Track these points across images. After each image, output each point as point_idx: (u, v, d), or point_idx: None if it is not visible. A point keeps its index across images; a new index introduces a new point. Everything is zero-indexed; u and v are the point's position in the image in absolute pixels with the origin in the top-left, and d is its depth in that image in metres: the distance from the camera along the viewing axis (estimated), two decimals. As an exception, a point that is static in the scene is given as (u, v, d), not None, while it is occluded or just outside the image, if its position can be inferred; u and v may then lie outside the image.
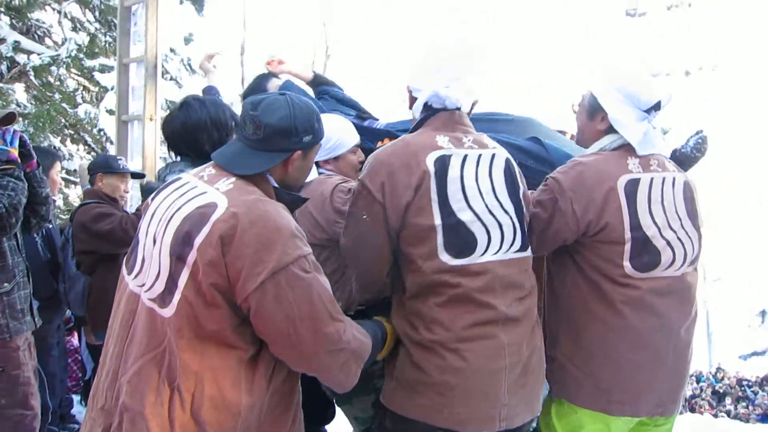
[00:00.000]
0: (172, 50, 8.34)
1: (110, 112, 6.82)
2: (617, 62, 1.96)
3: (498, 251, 1.68)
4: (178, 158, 2.23)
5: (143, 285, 1.48)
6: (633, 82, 1.85)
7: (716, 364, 22.44)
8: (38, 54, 7.45)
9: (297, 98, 1.57)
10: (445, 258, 1.64)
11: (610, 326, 1.81)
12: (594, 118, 1.93)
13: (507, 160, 1.78)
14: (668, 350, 1.83)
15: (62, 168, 8.17)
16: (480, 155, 1.73)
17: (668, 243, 1.80)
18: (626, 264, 1.78)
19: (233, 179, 1.49)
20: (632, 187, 1.80)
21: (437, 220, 1.63)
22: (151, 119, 3.86)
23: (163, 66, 8.03)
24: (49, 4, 8.15)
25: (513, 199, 1.74)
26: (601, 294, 1.81)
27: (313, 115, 1.57)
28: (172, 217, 1.46)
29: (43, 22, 8.47)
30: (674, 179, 1.87)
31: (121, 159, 3.56)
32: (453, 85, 1.72)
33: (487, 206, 1.68)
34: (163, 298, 1.41)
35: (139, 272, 1.51)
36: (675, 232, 1.82)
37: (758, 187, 34.23)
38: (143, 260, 1.51)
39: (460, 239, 1.64)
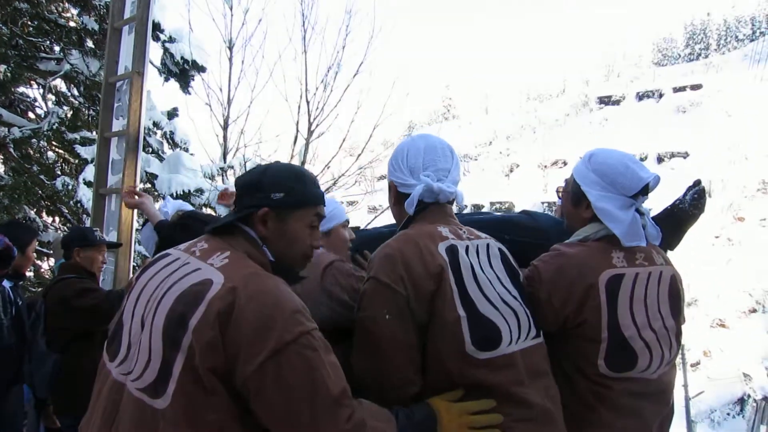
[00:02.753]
0: (155, 124, 8.44)
1: (88, 184, 6.78)
2: (601, 148, 1.88)
3: (518, 340, 1.58)
4: None
5: (129, 373, 1.33)
6: (617, 168, 1.77)
7: (698, 455, 21.92)
8: (19, 127, 7.47)
9: (283, 164, 1.52)
10: (473, 352, 1.51)
11: (584, 423, 1.70)
12: (579, 205, 1.85)
13: (500, 249, 1.73)
14: None
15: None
16: (478, 245, 1.67)
17: (646, 344, 1.70)
18: (600, 363, 1.67)
19: (228, 253, 1.39)
20: (614, 284, 1.69)
21: (461, 312, 1.52)
22: (128, 193, 3.82)
23: (145, 139, 8.12)
24: (35, 80, 8.26)
25: (516, 287, 1.68)
26: (575, 389, 1.71)
27: (290, 175, 1.49)
28: (162, 298, 1.33)
29: (27, 96, 8.56)
30: (660, 273, 1.76)
31: (96, 230, 3.49)
32: (443, 178, 1.72)
33: (499, 295, 1.59)
34: (156, 388, 1.26)
35: (125, 359, 1.36)
36: (655, 332, 1.71)
37: (733, 272, 34.79)
38: (129, 346, 1.36)
39: (485, 331, 1.53)
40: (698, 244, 36.31)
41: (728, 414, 28.56)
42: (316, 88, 9.04)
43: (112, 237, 3.96)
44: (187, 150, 8.60)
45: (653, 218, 2.01)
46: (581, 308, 1.68)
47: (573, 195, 1.86)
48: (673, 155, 44.36)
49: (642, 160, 45.28)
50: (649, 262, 1.75)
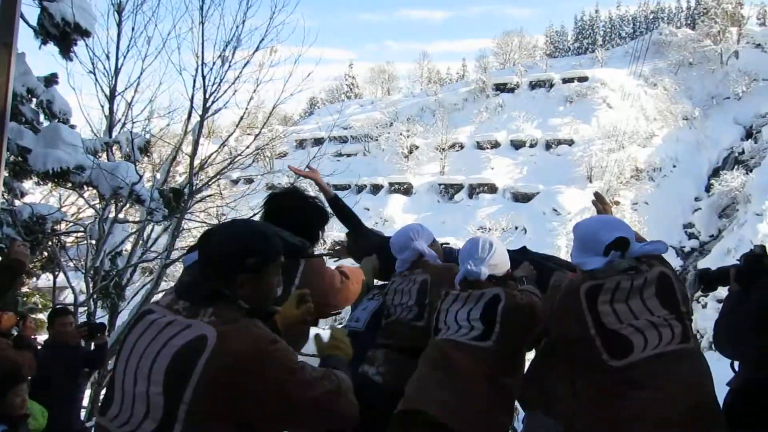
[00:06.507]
0: (29, 91, 7.67)
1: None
2: (585, 219, 2.33)
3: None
4: None
5: (125, 424, 1.50)
6: (585, 234, 2.19)
7: None
8: None
9: (247, 226, 1.75)
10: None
11: (611, 413, 1.96)
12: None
13: (491, 299, 2.45)
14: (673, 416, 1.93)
15: None
16: (468, 296, 2.52)
17: (636, 329, 1.98)
18: (604, 357, 1.97)
19: (211, 309, 1.55)
20: (594, 291, 2.03)
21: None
22: (-7, 175, 3.43)
23: (17, 107, 7.36)
24: None
25: (481, 320, 2.42)
26: (594, 384, 2.02)
27: (258, 237, 1.66)
28: (158, 355, 1.49)
29: None
30: (645, 279, 2.05)
31: None
32: (479, 264, 2.53)
33: (456, 320, 2.47)
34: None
35: (119, 413, 1.52)
36: (647, 320, 1.99)
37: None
38: (122, 401, 1.52)
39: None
40: (579, 227, 38.90)
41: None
42: (213, 63, 8.60)
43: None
44: (67, 122, 7.89)
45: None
46: (565, 315, 2.11)
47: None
48: (560, 142, 47.03)
49: (532, 146, 47.66)
50: (636, 271, 2.06)
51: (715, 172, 43.99)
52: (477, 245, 2.58)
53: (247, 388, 1.46)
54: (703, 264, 35.60)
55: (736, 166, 42.92)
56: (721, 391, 2.14)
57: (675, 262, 39.10)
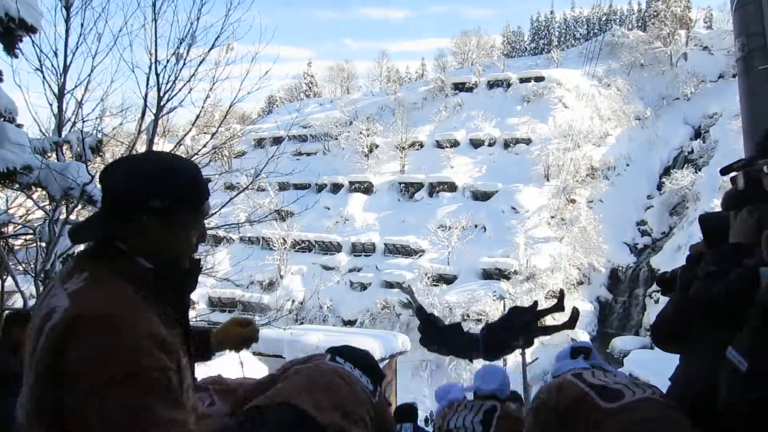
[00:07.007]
0: (-30, 90, 7.35)
1: None
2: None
3: None
4: None
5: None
6: (560, 353, 2.79)
7: None
8: None
9: (155, 160, 1.36)
10: None
11: None
12: None
13: (491, 407, 3.31)
14: None
15: None
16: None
17: (622, 384, 2.27)
18: (599, 402, 2.16)
19: (86, 275, 1.24)
20: (577, 373, 2.43)
21: None
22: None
23: (-42, 106, 7.05)
24: None
25: (481, 424, 3.19)
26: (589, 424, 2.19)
27: (166, 176, 1.31)
28: (33, 332, 1.27)
29: None
30: (614, 374, 2.52)
31: None
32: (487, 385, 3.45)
33: (463, 424, 3.23)
34: (30, 425, 1.23)
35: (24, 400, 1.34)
36: (630, 382, 2.32)
37: (565, 249, 38.44)
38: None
39: None
40: (537, 224, 39.74)
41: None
42: (167, 61, 8.37)
43: None
44: (13, 121, 7.58)
45: None
46: (558, 391, 2.37)
47: None
48: (517, 141, 47.78)
49: (491, 145, 48.30)
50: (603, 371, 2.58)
51: (667, 171, 45.56)
52: (491, 371, 3.55)
53: (68, 382, 1.13)
54: (655, 260, 36.84)
55: (686, 165, 44.56)
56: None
57: (629, 258, 40.37)
